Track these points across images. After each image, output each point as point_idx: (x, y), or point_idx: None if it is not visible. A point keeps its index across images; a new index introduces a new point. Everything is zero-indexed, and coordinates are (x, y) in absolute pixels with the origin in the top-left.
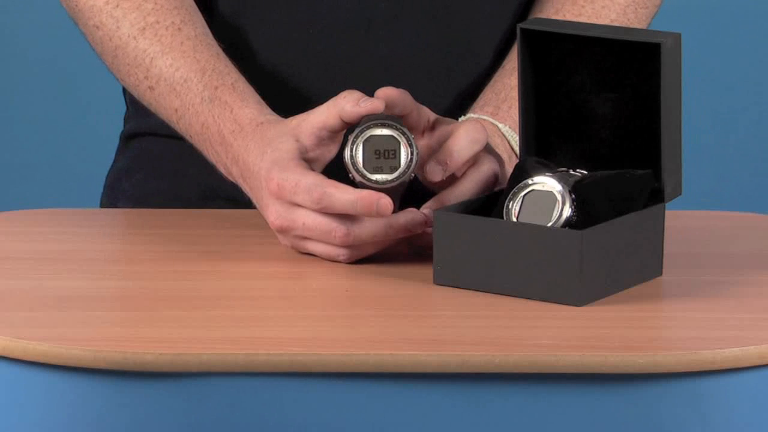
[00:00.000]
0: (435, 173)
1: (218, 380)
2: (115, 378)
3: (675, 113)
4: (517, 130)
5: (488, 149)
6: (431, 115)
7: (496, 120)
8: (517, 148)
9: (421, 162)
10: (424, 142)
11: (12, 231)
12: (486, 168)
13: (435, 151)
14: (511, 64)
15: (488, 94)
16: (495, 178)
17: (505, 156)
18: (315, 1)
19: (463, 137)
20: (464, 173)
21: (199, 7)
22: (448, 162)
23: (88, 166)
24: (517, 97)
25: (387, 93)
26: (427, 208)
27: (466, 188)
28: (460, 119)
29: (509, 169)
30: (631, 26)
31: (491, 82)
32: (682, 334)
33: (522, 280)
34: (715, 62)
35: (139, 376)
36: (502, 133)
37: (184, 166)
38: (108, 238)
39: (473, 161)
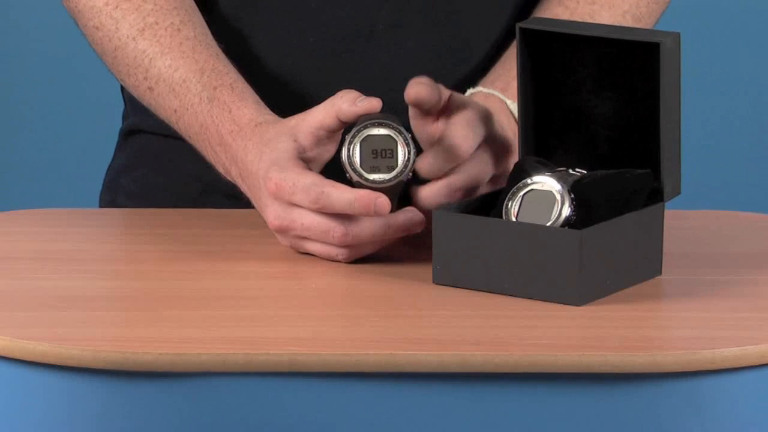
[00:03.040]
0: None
1: (218, 380)
2: (114, 378)
3: (674, 113)
4: None
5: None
6: (445, 94)
7: (505, 96)
8: None
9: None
10: (438, 126)
11: (12, 231)
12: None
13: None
14: None
15: (498, 70)
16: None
17: (510, 135)
18: (317, 7)
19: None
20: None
21: (200, 8)
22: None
23: (87, 164)
24: None
25: (417, 92)
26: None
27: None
28: (468, 92)
29: (514, 144)
30: (642, 19)
31: (501, 59)
32: (682, 333)
33: (522, 280)
34: (715, 62)
35: (138, 376)
36: (510, 111)
37: (183, 162)
38: (108, 238)
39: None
